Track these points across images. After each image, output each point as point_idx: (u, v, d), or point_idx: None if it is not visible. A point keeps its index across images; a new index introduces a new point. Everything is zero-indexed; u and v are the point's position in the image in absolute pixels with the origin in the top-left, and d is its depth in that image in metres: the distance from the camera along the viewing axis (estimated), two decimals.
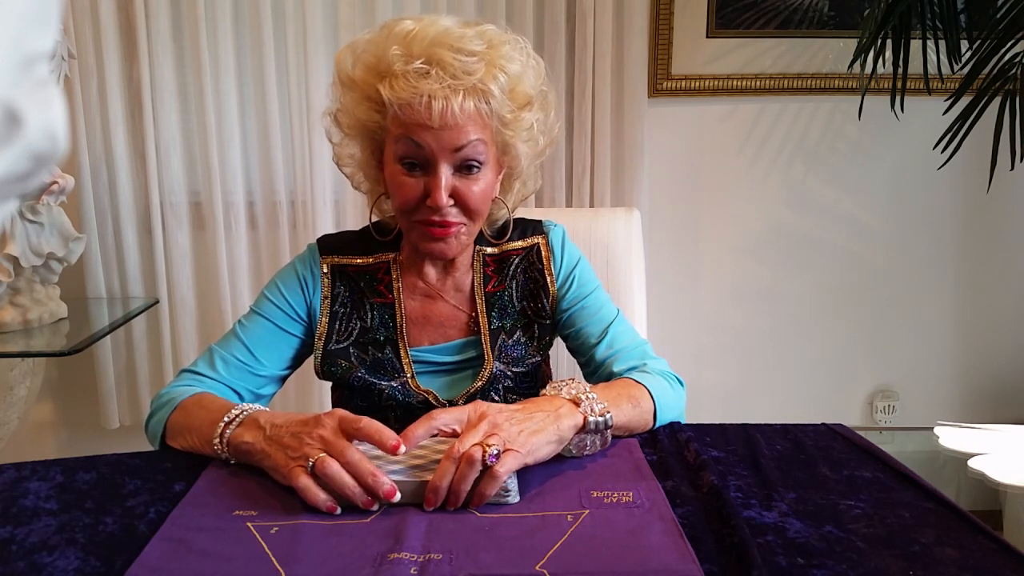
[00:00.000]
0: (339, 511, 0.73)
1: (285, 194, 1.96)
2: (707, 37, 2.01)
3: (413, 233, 0.99)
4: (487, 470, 0.73)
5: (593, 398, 0.85)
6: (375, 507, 0.74)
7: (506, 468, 0.73)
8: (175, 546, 0.68)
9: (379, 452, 0.76)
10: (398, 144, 0.94)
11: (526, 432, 0.77)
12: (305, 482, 0.74)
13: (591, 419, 0.82)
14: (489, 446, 0.73)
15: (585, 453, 0.84)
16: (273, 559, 0.65)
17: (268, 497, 0.77)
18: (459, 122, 0.90)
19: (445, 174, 0.93)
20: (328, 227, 1.93)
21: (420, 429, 0.77)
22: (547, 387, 0.89)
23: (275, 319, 1.04)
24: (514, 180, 1.06)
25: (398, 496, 0.73)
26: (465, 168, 0.94)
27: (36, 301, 1.66)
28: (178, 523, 0.72)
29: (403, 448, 0.75)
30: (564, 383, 0.88)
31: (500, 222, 1.09)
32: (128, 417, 2.03)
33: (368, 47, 0.95)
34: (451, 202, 0.94)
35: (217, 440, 0.84)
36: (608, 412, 0.84)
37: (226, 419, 0.85)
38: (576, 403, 0.84)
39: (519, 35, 0.98)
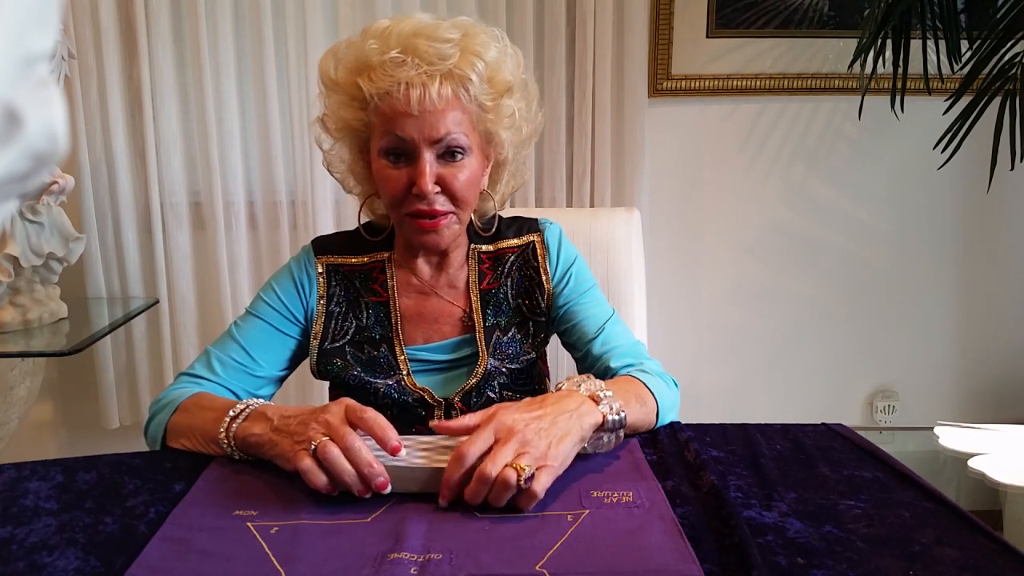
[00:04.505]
0: (336, 493, 0.75)
1: (285, 194, 1.96)
2: (707, 37, 2.01)
3: (404, 227, 1.00)
4: (523, 490, 0.72)
5: (610, 396, 0.85)
6: (368, 495, 0.74)
7: (542, 486, 0.73)
8: (175, 546, 0.68)
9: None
10: (382, 139, 0.95)
11: (555, 442, 0.77)
12: (307, 464, 0.74)
13: (610, 417, 0.82)
14: (523, 468, 0.72)
15: (599, 451, 0.85)
16: (273, 559, 0.66)
17: (268, 497, 0.77)
18: (438, 108, 0.92)
19: (429, 160, 0.94)
20: (328, 227, 1.93)
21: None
22: (565, 382, 0.88)
23: (271, 320, 1.04)
24: (502, 171, 1.07)
25: (389, 488, 0.74)
26: (449, 155, 0.95)
27: (36, 301, 1.66)
28: (178, 523, 0.72)
29: (403, 452, 0.76)
30: (581, 379, 0.88)
31: (489, 214, 1.09)
32: (128, 417, 2.03)
33: (348, 49, 0.97)
34: (437, 189, 0.95)
35: (223, 435, 0.84)
36: (623, 411, 0.84)
37: (231, 413, 0.85)
38: (595, 400, 0.84)
39: (496, 27, 1.00)
